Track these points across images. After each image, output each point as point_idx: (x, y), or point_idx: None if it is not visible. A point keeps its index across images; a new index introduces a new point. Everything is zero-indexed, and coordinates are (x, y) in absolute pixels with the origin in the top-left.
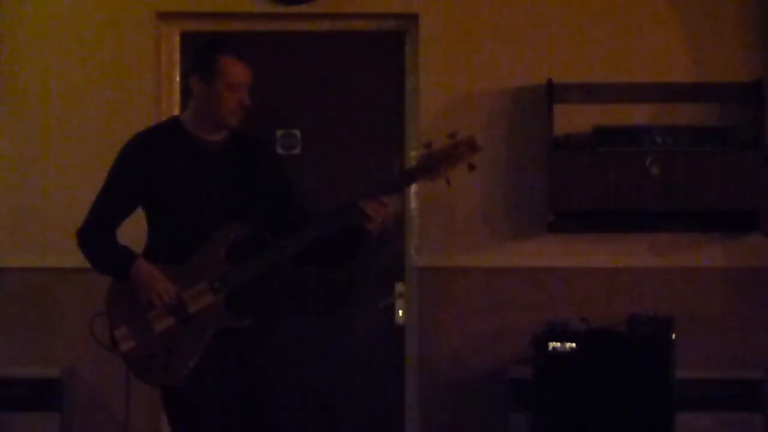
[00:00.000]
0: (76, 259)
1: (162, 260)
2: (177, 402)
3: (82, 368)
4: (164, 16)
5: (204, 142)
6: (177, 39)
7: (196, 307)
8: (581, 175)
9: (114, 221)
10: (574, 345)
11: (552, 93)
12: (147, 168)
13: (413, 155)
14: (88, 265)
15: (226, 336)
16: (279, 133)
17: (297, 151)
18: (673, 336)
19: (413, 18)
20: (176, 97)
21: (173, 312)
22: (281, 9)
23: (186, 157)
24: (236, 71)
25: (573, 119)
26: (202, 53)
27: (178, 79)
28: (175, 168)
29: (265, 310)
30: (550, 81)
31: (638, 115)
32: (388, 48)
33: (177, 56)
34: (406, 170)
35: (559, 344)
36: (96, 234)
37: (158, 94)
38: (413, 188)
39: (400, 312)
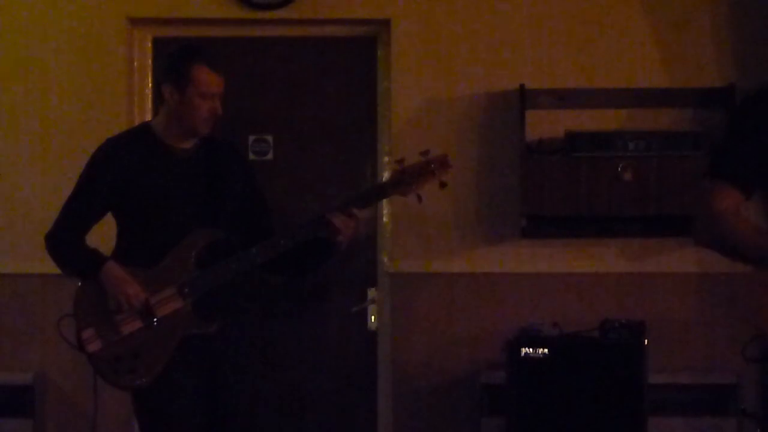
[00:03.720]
0: (46, 265)
1: (131, 264)
2: (147, 408)
3: (54, 374)
4: (136, 22)
5: (174, 148)
6: (149, 45)
7: (164, 312)
8: (553, 180)
9: (83, 226)
10: (546, 350)
11: (524, 98)
12: (117, 174)
13: (386, 161)
14: (58, 271)
15: (195, 341)
16: (251, 138)
17: (269, 156)
18: (646, 341)
19: (385, 23)
20: (148, 102)
21: (141, 315)
22: (253, 14)
23: (156, 164)
24: (209, 80)
25: (545, 124)
26: (174, 61)
27: (150, 84)
28: (145, 174)
29: (233, 316)
30: (522, 86)
31: (610, 120)
32: (361, 53)
33: (149, 62)
34: (377, 185)
35: (531, 349)
36: (65, 237)
37: (130, 100)
38: None
39: (373, 318)
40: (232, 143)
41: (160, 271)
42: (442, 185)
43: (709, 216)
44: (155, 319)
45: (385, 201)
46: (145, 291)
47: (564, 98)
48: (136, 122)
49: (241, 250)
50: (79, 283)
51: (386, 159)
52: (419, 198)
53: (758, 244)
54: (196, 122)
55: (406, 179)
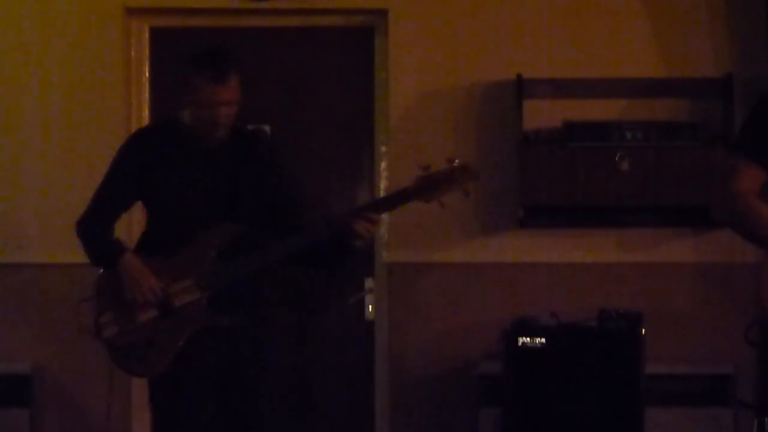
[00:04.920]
0: (45, 255)
1: (154, 251)
2: (159, 397)
3: (52, 364)
4: (133, 12)
5: (200, 142)
6: (146, 35)
7: (180, 303)
8: (551, 170)
9: (111, 214)
10: (543, 340)
11: (521, 88)
12: (143, 164)
13: (383, 151)
14: (57, 261)
15: (210, 334)
16: (248, 128)
17: None
18: (643, 331)
19: (382, 13)
20: (145, 92)
21: (158, 304)
22: (250, 5)
23: (181, 156)
24: (205, 91)
25: (543, 115)
26: (182, 67)
27: (147, 74)
28: (170, 166)
29: (249, 311)
30: (519, 76)
31: (608, 110)
32: (358, 43)
33: (146, 52)
34: (401, 190)
35: (528, 339)
36: (89, 225)
37: (128, 90)
38: (382, 184)
39: (370, 307)
40: (264, 138)
41: (180, 262)
42: (466, 194)
43: (729, 193)
44: (171, 309)
45: (382, 189)
46: (163, 281)
47: (561, 88)
48: (133, 113)
49: (263, 246)
50: (101, 270)
51: (383, 149)
52: (442, 205)
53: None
54: (199, 128)
55: (431, 186)
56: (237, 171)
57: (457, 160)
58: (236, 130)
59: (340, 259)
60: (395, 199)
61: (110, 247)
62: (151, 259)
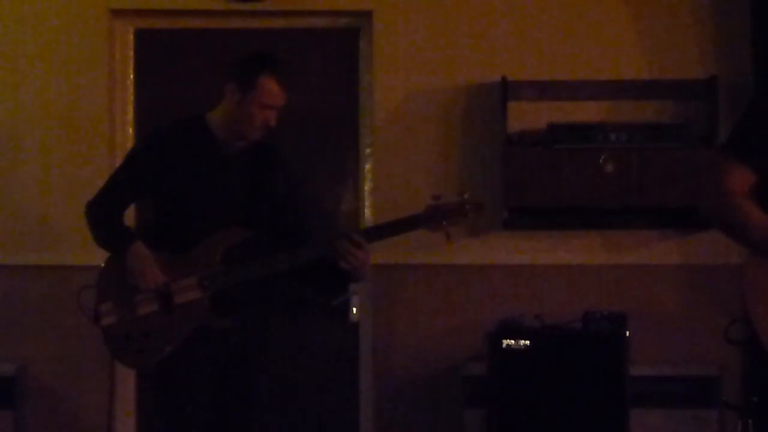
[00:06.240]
0: (30, 256)
1: (159, 247)
2: (158, 395)
3: (36, 366)
4: (118, 13)
5: (223, 144)
6: (131, 36)
7: (181, 300)
8: (535, 172)
9: (121, 201)
10: (528, 342)
11: (506, 90)
12: (160, 158)
13: (368, 153)
14: (42, 262)
15: (210, 335)
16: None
17: None
18: (627, 333)
19: (367, 15)
20: (130, 94)
21: (159, 299)
22: (236, 6)
23: (202, 156)
24: (273, 93)
25: (527, 116)
26: (246, 64)
27: (132, 76)
28: (188, 164)
29: (249, 314)
30: (503, 78)
31: (593, 112)
32: (343, 45)
33: (131, 53)
34: (410, 217)
35: (513, 341)
36: (102, 208)
37: (112, 91)
38: (366, 185)
39: (354, 309)
40: (280, 150)
41: (186, 260)
42: (448, 237)
43: (718, 193)
44: (172, 305)
45: (366, 191)
46: (168, 276)
47: (546, 90)
48: (117, 114)
49: (269, 254)
50: (107, 257)
51: (368, 150)
52: (448, 236)
53: (755, 235)
54: (248, 129)
55: (439, 216)
56: (253, 177)
57: (467, 195)
58: (257, 142)
59: (335, 280)
60: (402, 226)
61: (121, 234)
62: (157, 253)
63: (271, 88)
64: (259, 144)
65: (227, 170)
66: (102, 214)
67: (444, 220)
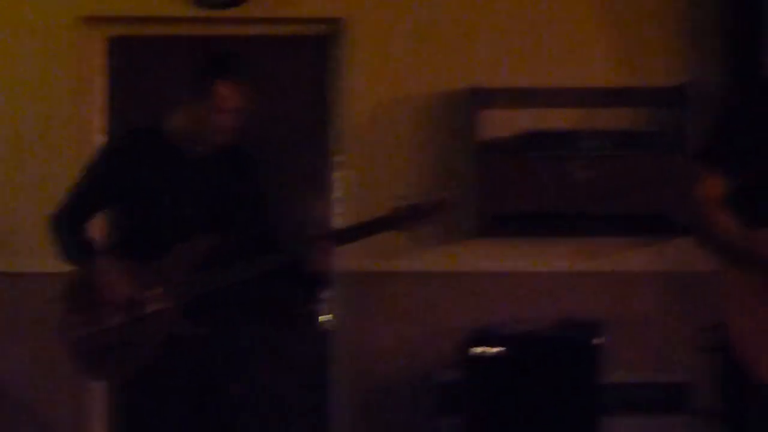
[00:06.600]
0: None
1: (127, 256)
2: (133, 405)
3: (6, 377)
4: (90, 20)
5: (185, 151)
6: (103, 43)
7: (150, 309)
8: (508, 179)
9: (86, 213)
10: (502, 349)
11: (478, 98)
12: (125, 168)
13: (340, 161)
14: (9, 270)
15: (184, 343)
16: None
17: None
18: (601, 340)
19: (339, 22)
20: (101, 103)
21: (128, 309)
22: (208, 13)
23: (163, 164)
24: (229, 97)
25: (500, 124)
26: (199, 73)
27: (104, 83)
28: (150, 172)
29: (224, 321)
30: (476, 86)
31: (565, 119)
32: (314, 53)
33: (103, 60)
34: (376, 219)
35: (487, 348)
36: (63, 222)
37: (84, 98)
38: (338, 192)
39: (329, 316)
40: (251, 152)
41: (155, 269)
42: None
43: (691, 200)
44: (143, 315)
45: (337, 198)
46: (135, 286)
47: (519, 97)
48: (89, 124)
49: (237, 260)
50: (75, 269)
51: (339, 158)
52: (416, 237)
53: (727, 243)
54: (210, 134)
55: (405, 218)
56: (220, 183)
57: (434, 194)
58: (224, 145)
59: (298, 280)
60: (368, 228)
61: (86, 247)
62: (125, 263)
63: (226, 93)
64: (230, 148)
65: (191, 176)
66: (64, 226)
67: (411, 220)
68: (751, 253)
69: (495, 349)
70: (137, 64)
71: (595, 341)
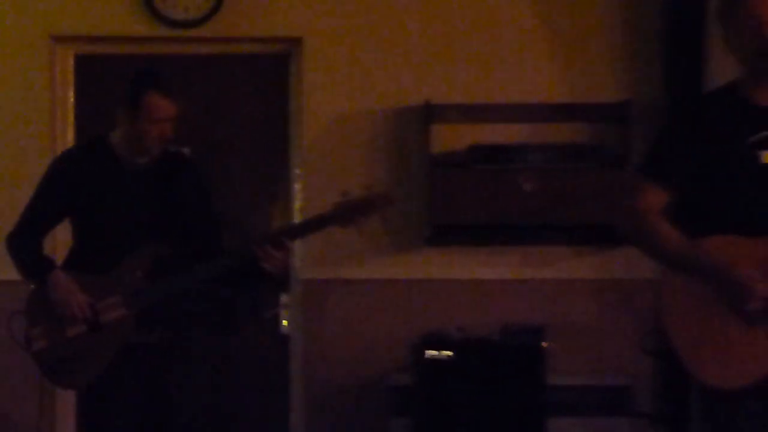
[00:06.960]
0: None
1: (82, 269)
2: (88, 410)
3: None
4: (59, 39)
5: (128, 162)
6: (71, 61)
7: (108, 318)
8: (458, 191)
9: (40, 229)
10: (450, 353)
11: (430, 113)
12: (70, 183)
13: (298, 174)
14: None
15: (138, 350)
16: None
17: None
18: (545, 344)
19: (298, 41)
20: (70, 118)
21: (85, 320)
22: (173, 33)
23: (108, 176)
24: (159, 107)
25: (451, 138)
26: (128, 86)
27: (72, 101)
28: (97, 185)
29: (175, 326)
30: (427, 102)
31: (513, 134)
32: (274, 71)
33: (71, 78)
34: (319, 216)
35: (436, 352)
36: (21, 240)
37: (53, 116)
38: (296, 204)
39: (285, 322)
40: (192, 160)
41: (108, 280)
42: (384, 221)
43: (632, 211)
44: (99, 325)
45: (296, 209)
46: (91, 297)
47: (469, 113)
48: (58, 137)
49: (189, 266)
50: (32, 285)
51: (298, 171)
52: (360, 232)
53: (672, 252)
54: (145, 145)
55: (348, 212)
56: (164, 191)
57: (373, 187)
58: (166, 154)
59: (258, 281)
60: (313, 225)
61: (40, 263)
62: (79, 276)
63: (156, 103)
64: (169, 155)
65: (133, 187)
66: (24, 244)
67: (353, 216)
68: (696, 260)
69: (445, 354)
70: (103, 81)
71: (541, 346)
